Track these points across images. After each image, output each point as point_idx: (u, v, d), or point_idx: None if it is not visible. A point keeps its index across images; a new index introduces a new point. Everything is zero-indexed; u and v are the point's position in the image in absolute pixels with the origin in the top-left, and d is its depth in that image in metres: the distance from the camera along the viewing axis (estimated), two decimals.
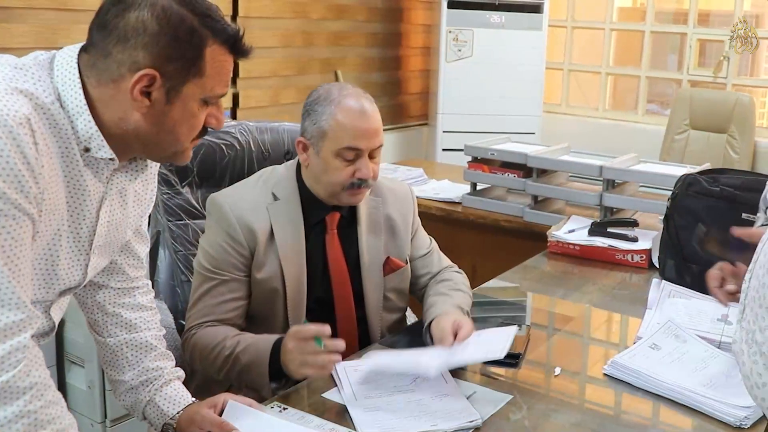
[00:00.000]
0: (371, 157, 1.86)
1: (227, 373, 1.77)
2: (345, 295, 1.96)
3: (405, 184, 2.15)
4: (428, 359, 1.65)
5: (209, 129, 1.38)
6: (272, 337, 1.74)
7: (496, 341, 1.70)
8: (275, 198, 1.90)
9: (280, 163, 2.25)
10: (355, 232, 1.97)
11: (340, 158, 1.82)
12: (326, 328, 1.65)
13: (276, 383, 1.74)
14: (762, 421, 1.58)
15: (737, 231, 1.63)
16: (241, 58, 1.35)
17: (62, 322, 1.52)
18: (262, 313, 1.90)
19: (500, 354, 1.62)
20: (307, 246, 1.91)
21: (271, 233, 1.86)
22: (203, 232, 2.20)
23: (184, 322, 2.14)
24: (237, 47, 1.33)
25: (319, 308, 1.93)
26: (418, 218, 2.11)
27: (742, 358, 1.18)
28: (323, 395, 1.65)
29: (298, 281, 1.89)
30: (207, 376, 1.89)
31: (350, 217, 1.97)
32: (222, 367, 1.77)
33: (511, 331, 1.76)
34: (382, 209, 2.00)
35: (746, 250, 1.59)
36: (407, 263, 2.05)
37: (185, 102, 1.30)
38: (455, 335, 1.74)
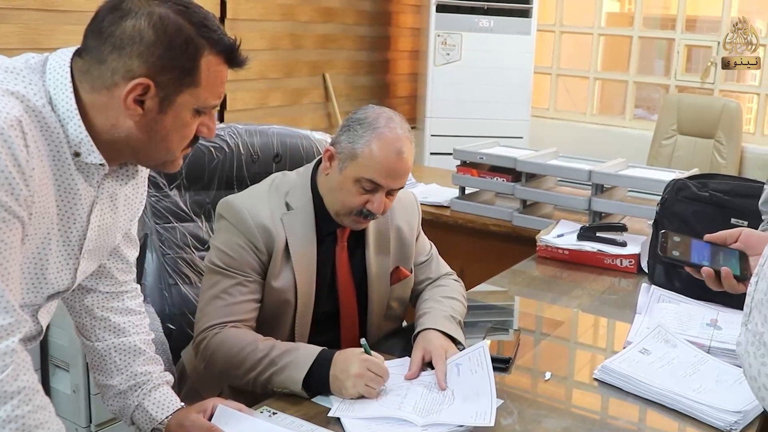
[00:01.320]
0: (389, 194, 1.86)
1: (257, 375, 1.71)
2: (350, 307, 1.96)
3: (409, 191, 2.13)
4: (412, 413, 1.59)
5: (201, 138, 1.37)
6: (314, 347, 1.72)
7: (478, 388, 1.64)
8: (289, 207, 1.88)
9: (270, 166, 2.25)
10: (363, 246, 1.96)
11: (358, 185, 1.81)
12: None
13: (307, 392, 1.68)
14: (751, 426, 1.59)
15: (709, 237, 1.60)
16: (237, 69, 1.34)
17: (47, 326, 1.51)
18: (268, 321, 1.87)
19: (490, 420, 1.54)
20: (317, 257, 1.90)
21: (286, 245, 1.85)
22: (192, 235, 2.19)
23: (172, 326, 2.12)
24: (233, 58, 1.32)
25: (324, 319, 1.92)
26: (420, 225, 2.11)
27: (748, 360, 1.18)
28: (313, 400, 1.64)
29: (308, 293, 1.88)
30: (207, 377, 1.87)
31: (360, 230, 1.95)
32: (252, 367, 1.72)
33: (487, 364, 1.68)
34: (390, 222, 1.99)
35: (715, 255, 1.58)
36: (412, 272, 2.05)
37: (178, 111, 1.29)
38: (429, 363, 1.75)
